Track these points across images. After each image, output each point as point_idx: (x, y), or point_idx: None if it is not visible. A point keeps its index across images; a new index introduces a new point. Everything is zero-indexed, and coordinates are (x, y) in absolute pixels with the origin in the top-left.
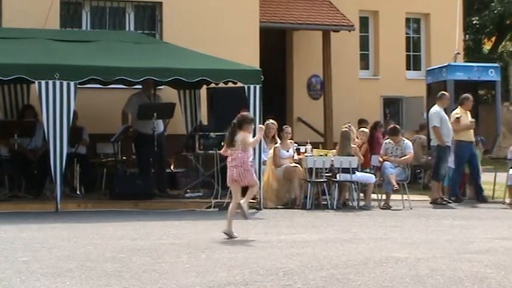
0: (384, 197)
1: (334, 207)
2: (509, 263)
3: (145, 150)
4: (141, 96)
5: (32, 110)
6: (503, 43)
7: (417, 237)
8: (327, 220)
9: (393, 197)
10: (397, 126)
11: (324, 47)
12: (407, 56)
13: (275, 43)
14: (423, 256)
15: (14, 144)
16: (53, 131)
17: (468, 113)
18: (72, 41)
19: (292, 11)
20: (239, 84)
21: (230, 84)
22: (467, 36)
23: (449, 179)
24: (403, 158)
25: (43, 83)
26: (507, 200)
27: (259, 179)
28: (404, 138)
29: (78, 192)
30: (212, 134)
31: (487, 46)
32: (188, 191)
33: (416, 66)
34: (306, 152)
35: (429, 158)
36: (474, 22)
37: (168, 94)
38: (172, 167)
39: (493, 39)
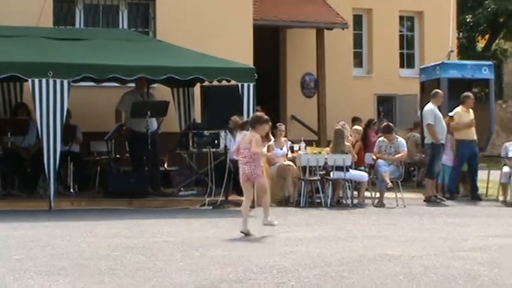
0: (378, 195)
1: (328, 205)
2: (503, 261)
3: (138, 149)
4: (135, 94)
5: (25, 108)
6: (496, 41)
7: (411, 235)
8: (321, 218)
9: (387, 194)
10: (391, 124)
11: (317, 44)
12: (401, 54)
13: (269, 41)
14: (417, 254)
15: (7, 142)
16: (46, 129)
17: (470, 111)
18: (65, 39)
19: (285, 9)
20: (233, 82)
21: (224, 82)
22: (460, 34)
23: (443, 177)
24: (396, 156)
25: (36, 81)
26: (500, 198)
27: None
28: (397, 136)
29: (71, 190)
30: (206, 132)
31: (481, 44)
32: (182, 189)
33: (410, 64)
34: (299, 150)
35: (423, 155)
36: (468, 20)
37: (161, 92)
38: (166, 165)
39: (487, 37)
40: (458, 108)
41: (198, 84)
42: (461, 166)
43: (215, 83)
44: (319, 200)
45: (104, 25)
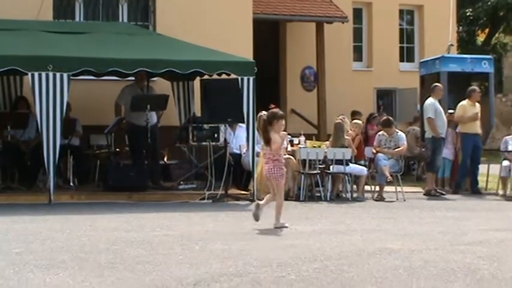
0: (378, 188)
1: (328, 198)
2: (502, 255)
3: (138, 142)
4: (134, 88)
5: (25, 102)
6: (496, 35)
7: (410, 228)
8: (321, 212)
9: (387, 188)
10: (390, 118)
11: (317, 38)
12: (401, 48)
13: (269, 35)
14: (416, 248)
15: (7, 136)
16: (46, 123)
17: (477, 104)
18: (65, 33)
19: (285, 3)
20: (232, 76)
21: (224, 76)
22: (460, 28)
23: (443, 171)
24: (396, 150)
25: (36, 74)
26: (500, 192)
27: (253, 170)
28: (397, 130)
29: (71, 184)
30: (205, 126)
31: (481, 38)
32: (181, 182)
33: (410, 58)
34: (299, 143)
35: (423, 149)
36: (468, 14)
37: (161, 86)
38: (165, 159)
39: (487, 31)
40: (464, 102)
41: (198, 78)
42: (465, 160)
43: (215, 76)
44: (318, 194)
45: (103, 19)
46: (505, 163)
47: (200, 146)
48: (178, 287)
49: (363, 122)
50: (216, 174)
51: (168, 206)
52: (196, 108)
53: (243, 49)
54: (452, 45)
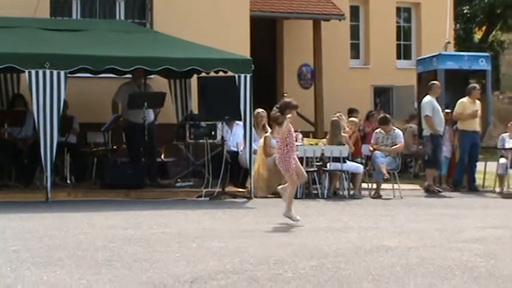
0: (375, 186)
1: (325, 196)
2: (499, 252)
3: (135, 140)
4: (131, 86)
5: (22, 99)
6: (493, 32)
7: (407, 226)
8: (318, 209)
9: (384, 186)
10: (387, 115)
11: (314, 36)
12: (398, 45)
13: (265, 32)
14: (413, 245)
15: (4, 133)
16: (43, 120)
17: (477, 102)
18: (62, 30)
19: (282, 0)
20: (230, 74)
21: (221, 74)
22: (457, 25)
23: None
24: (393, 147)
25: (33, 72)
26: (497, 189)
27: (250, 168)
28: (394, 128)
29: (68, 181)
30: (203, 123)
31: (478, 35)
32: (179, 180)
33: (407, 56)
34: (296, 141)
35: (420, 147)
36: (465, 11)
37: (158, 83)
38: (162, 157)
39: (484, 28)
40: (464, 99)
41: (195, 76)
42: (463, 157)
43: (212, 74)
44: (316, 191)
45: (100, 16)
46: (502, 160)
47: (197, 143)
48: (175, 284)
49: (359, 120)
50: (213, 171)
51: (165, 204)
52: (194, 106)
53: (240, 47)
54: (449, 42)
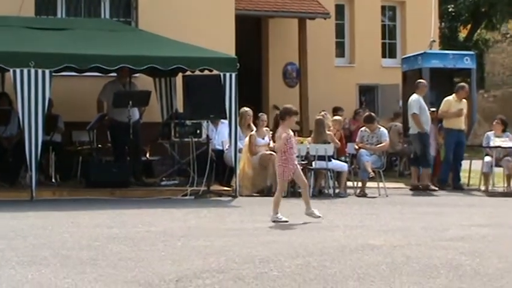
0: (360, 184)
1: (310, 194)
2: (484, 250)
3: (120, 138)
4: (116, 84)
5: (7, 98)
6: (478, 31)
7: (393, 224)
8: (303, 208)
9: (369, 184)
10: (373, 114)
11: (299, 34)
12: (383, 44)
13: (251, 31)
14: (399, 243)
15: None
16: (28, 119)
17: (463, 101)
18: (47, 29)
19: None
20: (215, 72)
21: (206, 72)
22: (442, 23)
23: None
24: (378, 146)
25: (18, 71)
26: (482, 187)
27: (235, 166)
28: (380, 126)
29: (53, 180)
30: (188, 122)
31: (463, 34)
32: (164, 179)
33: (392, 54)
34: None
35: (405, 145)
36: (450, 10)
37: (143, 82)
38: (147, 155)
39: (469, 27)
40: (450, 97)
41: (180, 74)
42: (449, 155)
43: (197, 72)
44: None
45: (85, 15)
46: (487, 159)
47: (182, 142)
48: (161, 283)
49: (344, 118)
50: (199, 170)
51: (151, 202)
52: (179, 105)
53: (225, 45)
54: (434, 41)
